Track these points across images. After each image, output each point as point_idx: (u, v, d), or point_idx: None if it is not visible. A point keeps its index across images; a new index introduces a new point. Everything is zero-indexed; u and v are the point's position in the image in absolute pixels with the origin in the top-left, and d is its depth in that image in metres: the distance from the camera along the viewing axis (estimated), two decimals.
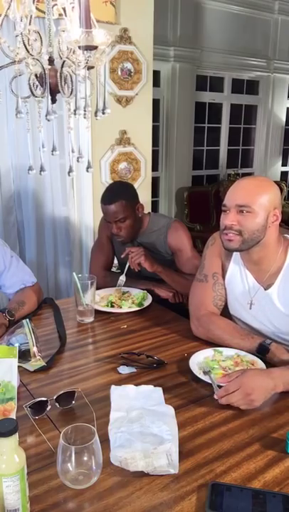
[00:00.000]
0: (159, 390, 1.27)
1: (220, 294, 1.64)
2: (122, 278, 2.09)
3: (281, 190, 6.40)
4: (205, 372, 1.37)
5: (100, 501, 0.93)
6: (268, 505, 0.90)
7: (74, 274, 1.81)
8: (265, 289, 1.53)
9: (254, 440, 1.11)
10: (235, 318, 1.68)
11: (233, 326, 1.57)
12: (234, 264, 1.61)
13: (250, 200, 1.42)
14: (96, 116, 1.14)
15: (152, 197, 3.97)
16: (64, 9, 1.07)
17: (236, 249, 1.47)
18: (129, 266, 2.06)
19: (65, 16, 1.07)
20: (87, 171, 1.23)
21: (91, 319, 1.81)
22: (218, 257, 1.65)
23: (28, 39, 1.06)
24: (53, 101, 1.12)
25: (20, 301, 1.80)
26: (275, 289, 1.51)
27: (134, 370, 1.43)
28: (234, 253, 1.59)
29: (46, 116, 1.09)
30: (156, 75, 4.22)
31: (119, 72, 3.26)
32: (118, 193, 2.06)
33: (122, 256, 2.08)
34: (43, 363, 1.45)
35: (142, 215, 2.15)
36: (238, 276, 1.60)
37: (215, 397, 1.23)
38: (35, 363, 1.45)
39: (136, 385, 1.30)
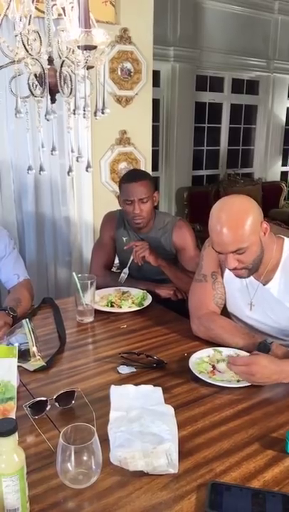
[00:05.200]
0: (159, 389, 1.26)
1: (220, 293, 1.65)
2: (126, 271, 2.10)
3: (281, 190, 6.41)
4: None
5: (100, 501, 0.93)
6: (267, 504, 0.90)
7: (74, 273, 1.81)
8: (264, 285, 1.54)
9: (254, 440, 1.11)
10: (234, 317, 1.68)
11: (233, 325, 1.58)
12: None
13: (241, 241, 1.37)
14: (95, 116, 1.15)
15: None
16: (63, 9, 1.08)
17: (248, 277, 1.50)
18: (132, 261, 2.05)
19: (65, 15, 1.07)
20: (87, 170, 1.23)
21: (91, 319, 1.81)
22: (215, 257, 1.63)
23: (28, 39, 1.06)
24: (53, 101, 1.12)
25: (16, 298, 1.82)
26: (274, 283, 1.53)
27: (133, 369, 1.43)
28: None
29: (46, 116, 1.09)
30: (156, 75, 4.22)
31: (119, 72, 3.26)
32: (143, 174, 2.21)
33: (126, 248, 2.08)
34: (43, 363, 1.45)
35: (156, 204, 2.18)
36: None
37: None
38: (35, 362, 1.45)
39: (136, 384, 1.30)
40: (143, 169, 3.54)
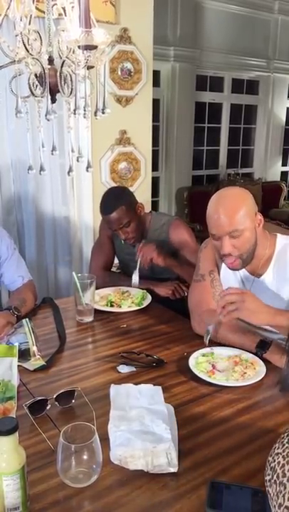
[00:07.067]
0: (159, 388, 1.27)
1: (219, 290, 1.66)
2: (136, 274, 2.05)
3: (281, 190, 6.41)
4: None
5: (100, 500, 0.93)
6: (267, 503, 0.90)
7: (74, 273, 1.81)
8: (258, 278, 1.59)
9: (254, 438, 1.11)
10: None
11: (233, 323, 1.59)
12: None
13: (236, 223, 1.45)
14: (96, 115, 1.15)
15: (152, 197, 3.98)
16: (64, 9, 1.08)
17: (241, 268, 1.55)
18: (140, 264, 2.03)
19: (65, 15, 1.07)
20: (87, 170, 1.23)
21: (90, 319, 1.81)
22: (212, 257, 1.69)
23: (28, 39, 1.06)
24: (53, 100, 1.12)
25: (21, 298, 1.82)
26: (268, 276, 1.57)
27: (133, 369, 1.43)
28: None
29: (46, 115, 1.09)
30: (156, 74, 4.22)
31: (119, 72, 3.26)
32: (116, 200, 2.06)
33: (136, 258, 2.03)
34: (43, 362, 1.45)
35: (143, 213, 2.16)
36: (231, 271, 1.63)
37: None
38: (35, 362, 1.45)
39: (135, 384, 1.30)
40: (143, 168, 3.55)
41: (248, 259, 1.52)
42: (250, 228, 1.48)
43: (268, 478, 0.67)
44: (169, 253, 2.13)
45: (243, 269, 1.61)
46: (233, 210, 1.46)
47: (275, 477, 0.65)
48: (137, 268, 2.06)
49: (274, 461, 0.67)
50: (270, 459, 0.69)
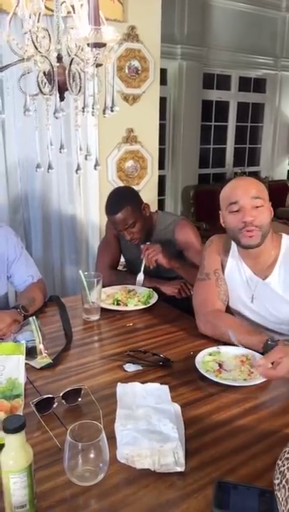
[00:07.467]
0: (166, 387, 1.27)
1: (224, 289, 1.66)
2: (141, 275, 2.06)
3: (288, 188, 6.38)
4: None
5: (107, 498, 0.93)
6: (274, 503, 0.89)
7: (80, 271, 1.81)
8: (264, 280, 1.58)
9: (261, 438, 1.11)
10: (236, 313, 1.69)
11: (239, 322, 1.59)
12: (232, 258, 1.65)
13: (259, 190, 1.51)
14: (104, 113, 1.14)
15: (158, 195, 3.97)
16: (72, 7, 1.07)
17: (258, 244, 1.51)
18: (144, 265, 2.03)
19: (74, 13, 1.07)
20: (95, 168, 1.23)
21: (97, 317, 1.81)
22: (216, 255, 1.69)
23: (37, 36, 1.06)
24: (61, 98, 1.12)
25: (30, 297, 1.81)
26: (274, 277, 1.57)
27: (140, 367, 1.43)
28: (232, 248, 1.64)
29: (54, 113, 1.09)
30: (163, 73, 4.21)
31: (127, 70, 3.25)
32: (121, 200, 2.07)
33: (142, 257, 2.04)
34: (50, 360, 1.45)
35: (149, 213, 2.15)
36: (236, 270, 1.64)
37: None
38: (42, 360, 1.46)
39: (142, 382, 1.30)
40: (150, 166, 3.54)
41: (265, 236, 1.50)
42: (268, 208, 1.51)
43: (276, 481, 0.67)
44: (174, 254, 2.13)
45: (249, 270, 1.60)
46: (255, 181, 1.54)
47: (284, 482, 0.65)
48: (142, 269, 2.05)
49: (284, 465, 0.67)
50: (280, 462, 0.68)
